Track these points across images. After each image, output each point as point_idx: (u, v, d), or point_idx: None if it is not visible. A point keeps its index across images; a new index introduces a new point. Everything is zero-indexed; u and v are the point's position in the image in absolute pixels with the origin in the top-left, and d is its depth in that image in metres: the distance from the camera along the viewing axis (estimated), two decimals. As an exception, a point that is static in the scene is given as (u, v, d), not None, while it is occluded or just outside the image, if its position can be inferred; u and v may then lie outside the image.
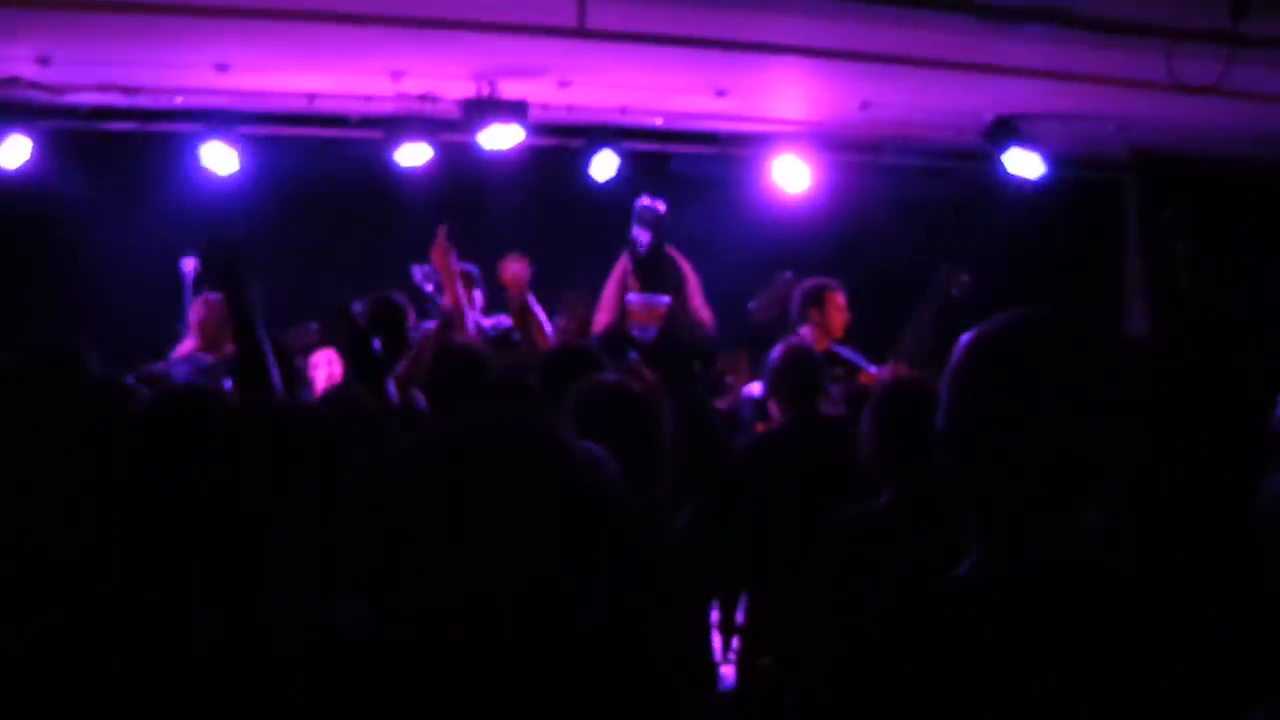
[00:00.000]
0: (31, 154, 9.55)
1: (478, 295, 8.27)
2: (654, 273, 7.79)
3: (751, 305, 8.59)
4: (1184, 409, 2.63)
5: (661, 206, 7.91)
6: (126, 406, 3.72)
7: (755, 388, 8.73)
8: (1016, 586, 2.03)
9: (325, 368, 8.87)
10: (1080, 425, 2.04)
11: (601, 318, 7.88)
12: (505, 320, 8.24)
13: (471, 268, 8.34)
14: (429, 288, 8.64)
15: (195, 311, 8.06)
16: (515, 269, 8.18)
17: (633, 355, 6.84)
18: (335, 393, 5.98)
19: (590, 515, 1.42)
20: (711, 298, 8.34)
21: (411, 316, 6.98)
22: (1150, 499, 2.55)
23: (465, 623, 1.36)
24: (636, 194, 9.92)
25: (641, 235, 7.90)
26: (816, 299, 8.07)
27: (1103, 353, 2.11)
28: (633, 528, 1.46)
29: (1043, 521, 2.05)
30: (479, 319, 8.22)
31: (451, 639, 1.35)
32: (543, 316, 8.23)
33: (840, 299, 8.17)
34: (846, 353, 8.13)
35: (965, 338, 2.15)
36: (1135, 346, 2.52)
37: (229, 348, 7.02)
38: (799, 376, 5.94)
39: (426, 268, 8.69)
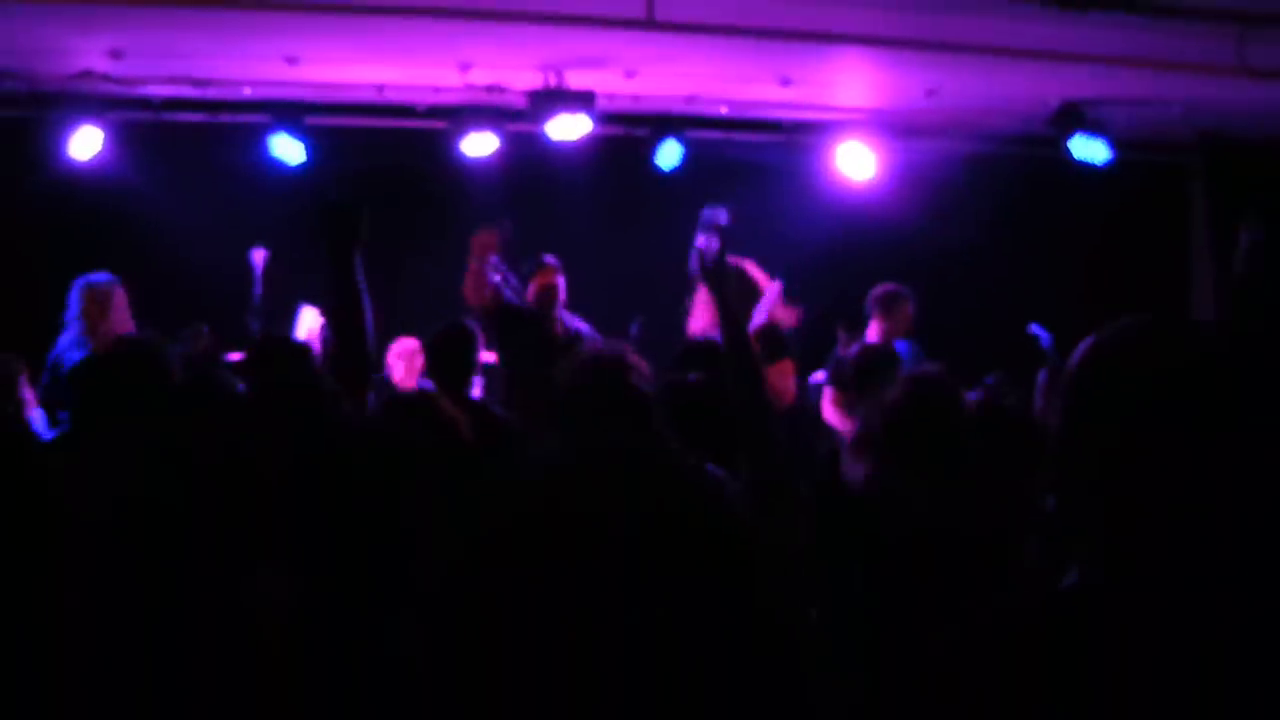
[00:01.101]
0: (103, 145, 9.65)
1: (561, 285, 8.27)
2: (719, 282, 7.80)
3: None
4: None
5: (724, 216, 7.94)
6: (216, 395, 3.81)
7: (821, 376, 8.78)
8: (1129, 598, 1.99)
9: (405, 360, 8.92)
10: (1199, 434, 2.00)
11: (695, 324, 7.95)
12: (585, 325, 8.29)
13: (550, 259, 8.36)
14: (495, 278, 8.69)
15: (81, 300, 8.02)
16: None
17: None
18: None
19: (722, 537, 1.44)
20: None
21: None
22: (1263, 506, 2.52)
23: (612, 640, 1.38)
24: (700, 182, 9.98)
25: (707, 243, 7.94)
26: (887, 304, 8.74)
27: (1224, 359, 2.07)
28: (762, 549, 1.49)
29: (1156, 531, 2.00)
30: (565, 317, 8.26)
31: (597, 655, 1.38)
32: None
33: (910, 310, 8.81)
34: (904, 351, 8.24)
35: (1083, 344, 2.12)
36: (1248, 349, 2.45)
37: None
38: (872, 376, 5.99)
39: (494, 259, 8.74)
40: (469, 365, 6.58)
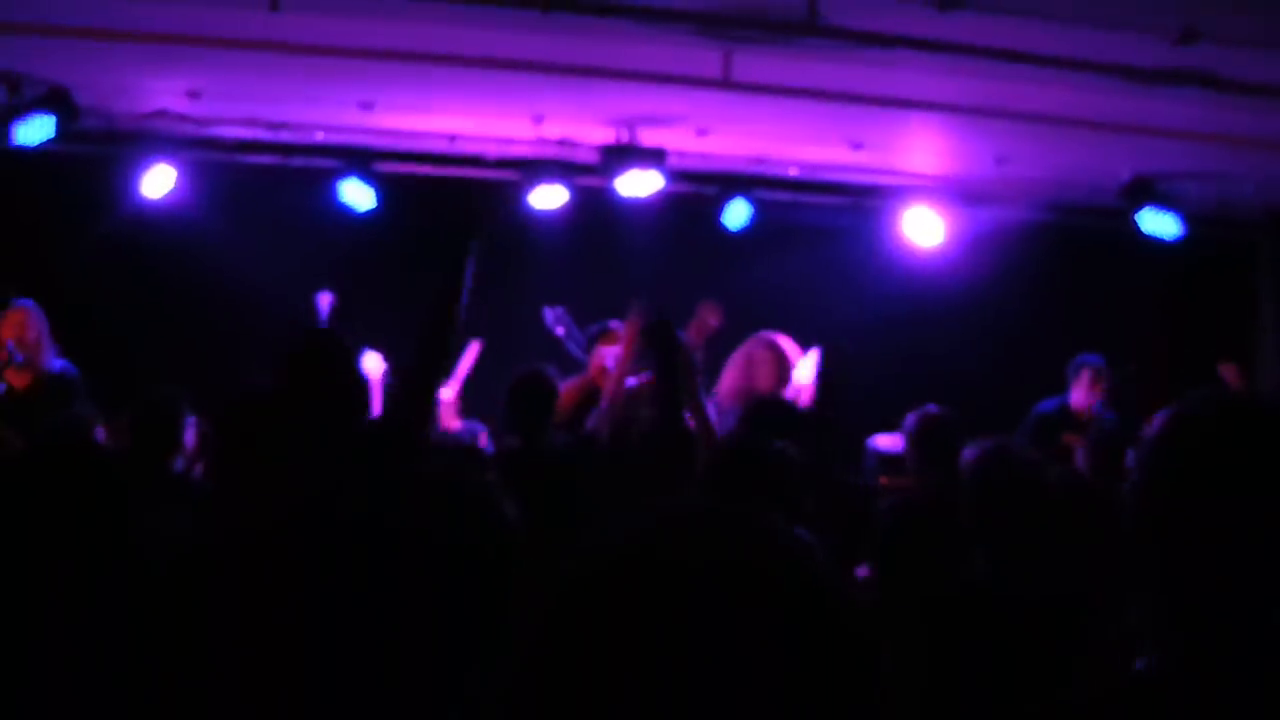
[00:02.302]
0: (176, 185, 9.72)
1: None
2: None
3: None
4: None
5: (563, 315, 8.69)
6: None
7: (884, 441, 8.75)
8: (1206, 687, 1.94)
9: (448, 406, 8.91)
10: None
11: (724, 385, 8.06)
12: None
13: (616, 325, 8.37)
14: (560, 331, 8.71)
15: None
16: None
17: None
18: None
19: (808, 604, 1.42)
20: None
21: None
22: None
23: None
24: (767, 242, 9.99)
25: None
26: (1079, 374, 9.47)
27: None
28: (845, 617, 1.46)
29: (1236, 619, 1.95)
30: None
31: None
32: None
33: (1094, 375, 9.48)
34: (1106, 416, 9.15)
35: (1160, 417, 2.09)
36: None
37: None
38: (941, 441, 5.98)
39: (559, 310, 8.77)
40: (548, 410, 6.60)
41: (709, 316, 8.05)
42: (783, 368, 8.11)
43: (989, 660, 3.74)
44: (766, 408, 6.08)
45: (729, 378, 8.19)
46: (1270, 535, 1.94)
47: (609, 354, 8.14)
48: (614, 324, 8.38)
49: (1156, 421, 2.09)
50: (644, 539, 1.43)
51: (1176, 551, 2.01)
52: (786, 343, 8.22)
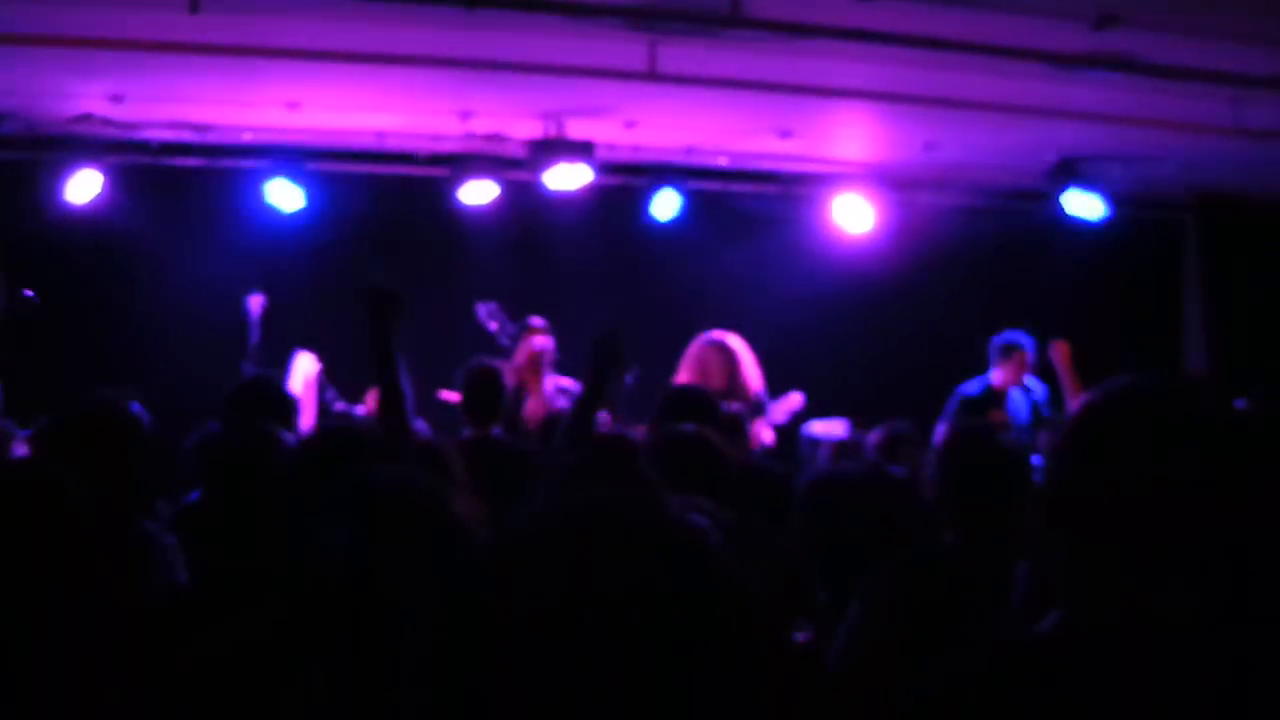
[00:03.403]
0: (101, 189, 9.63)
1: (544, 342, 8.33)
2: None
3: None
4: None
5: (495, 309, 8.73)
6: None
7: (817, 426, 8.84)
8: (1103, 647, 2.01)
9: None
10: (1183, 493, 2.05)
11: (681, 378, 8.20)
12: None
13: (537, 320, 8.46)
14: (493, 325, 8.73)
15: None
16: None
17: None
18: None
19: (701, 594, 1.44)
20: (768, 334, 8.51)
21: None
22: (1245, 565, 2.54)
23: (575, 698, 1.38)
24: (699, 232, 10.05)
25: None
26: (1004, 353, 9.44)
27: (1212, 422, 2.11)
28: (744, 605, 1.49)
29: (1134, 585, 2.03)
30: (558, 382, 8.32)
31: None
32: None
33: (1025, 356, 9.46)
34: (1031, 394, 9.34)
35: (1078, 403, 2.17)
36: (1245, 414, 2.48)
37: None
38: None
39: (491, 305, 8.78)
40: (497, 405, 6.66)
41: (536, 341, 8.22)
42: (732, 365, 8.23)
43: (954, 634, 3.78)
44: (681, 396, 6.16)
45: (682, 377, 8.30)
46: (1179, 511, 2.02)
47: (534, 346, 8.21)
48: (533, 319, 8.44)
49: (1075, 406, 2.17)
50: (534, 535, 1.46)
51: (1077, 526, 2.09)
52: (736, 340, 8.32)
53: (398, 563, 2.37)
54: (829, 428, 8.80)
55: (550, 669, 1.36)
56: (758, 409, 8.21)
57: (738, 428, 6.91)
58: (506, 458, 6.01)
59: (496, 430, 6.65)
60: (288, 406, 5.74)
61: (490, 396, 6.57)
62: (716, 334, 8.36)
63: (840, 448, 7.91)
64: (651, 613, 1.37)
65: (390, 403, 4.42)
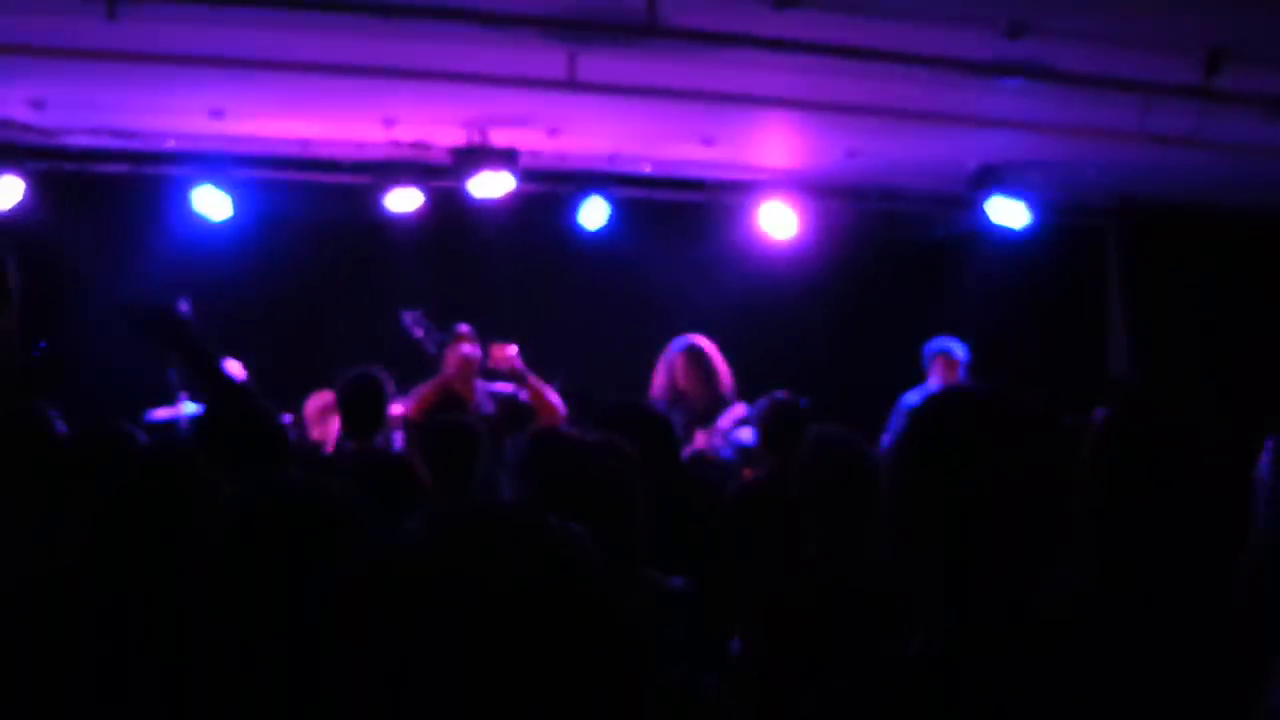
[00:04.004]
0: (23, 195, 9.56)
1: (471, 350, 8.39)
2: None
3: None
4: (1135, 475, 2.67)
5: (420, 318, 8.73)
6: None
7: (745, 434, 8.90)
8: (968, 662, 2.06)
9: (319, 414, 8.91)
10: (1013, 497, 2.09)
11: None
12: (507, 386, 8.41)
13: (464, 328, 8.49)
14: (419, 333, 8.76)
15: None
16: (506, 353, 8.38)
17: None
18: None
19: (571, 601, 1.48)
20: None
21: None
22: (1117, 561, 2.61)
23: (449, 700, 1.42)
24: (624, 239, 10.09)
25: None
26: (937, 359, 9.63)
27: (1030, 426, 2.16)
28: (611, 613, 1.54)
29: (985, 594, 2.07)
30: (486, 386, 8.38)
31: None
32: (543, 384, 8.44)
33: (955, 359, 9.61)
34: None
35: (898, 418, 2.23)
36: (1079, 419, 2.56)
37: None
38: (786, 427, 6.12)
39: (417, 313, 8.81)
40: (379, 415, 6.64)
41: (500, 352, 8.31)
42: (704, 369, 8.35)
43: (824, 643, 3.84)
44: (611, 407, 6.18)
45: (657, 383, 8.46)
46: (996, 518, 2.07)
47: (462, 354, 8.28)
48: (461, 327, 8.48)
49: (894, 424, 2.23)
50: (409, 542, 1.50)
51: (920, 540, 2.14)
52: (707, 345, 8.49)
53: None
54: (742, 434, 8.88)
55: (411, 667, 1.40)
56: (706, 416, 8.31)
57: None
58: (390, 468, 5.94)
59: (378, 440, 6.64)
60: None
61: (372, 407, 6.54)
62: (688, 337, 8.53)
63: (746, 453, 7.98)
64: (522, 619, 1.42)
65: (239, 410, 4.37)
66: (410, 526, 1.53)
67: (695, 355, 8.47)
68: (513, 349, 8.34)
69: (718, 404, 8.38)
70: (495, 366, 8.35)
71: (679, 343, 8.56)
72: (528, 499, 3.41)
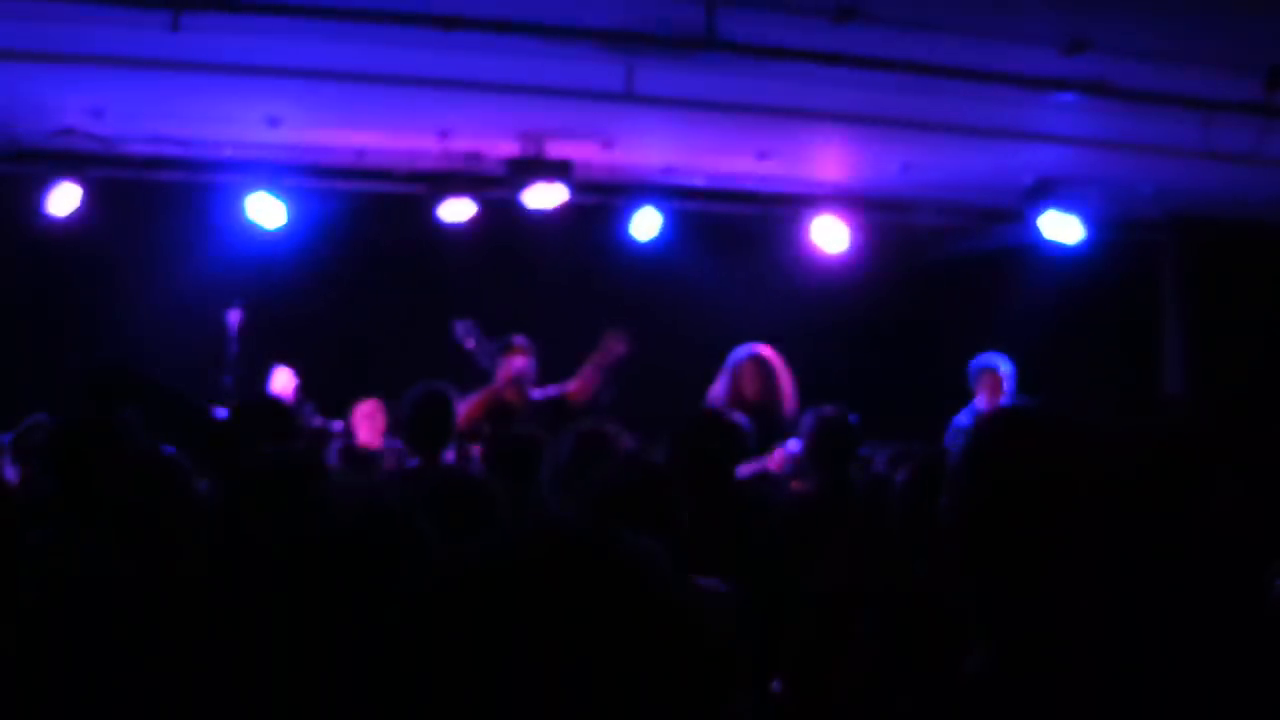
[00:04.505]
0: (81, 202, 9.63)
1: (525, 362, 8.43)
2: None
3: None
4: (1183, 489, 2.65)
5: (472, 328, 8.79)
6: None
7: (793, 445, 8.87)
8: (1028, 679, 2.05)
9: (368, 421, 8.95)
10: (1074, 514, 2.09)
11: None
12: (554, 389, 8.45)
13: (519, 340, 8.51)
14: (470, 343, 8.77)
15: None
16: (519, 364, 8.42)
17: None
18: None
19: (649, 616, 1.48)
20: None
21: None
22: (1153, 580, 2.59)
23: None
24: (676, 251, 10.08)
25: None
26: (979, 376, 9.57)
27: (1091, 445, 2.15)
28: (690, 628, 1.53)
29: (1049, 612, 2.09)
30: (539, 394, 8.43)
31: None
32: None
33: (998, 375, 9.52)
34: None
35: (953, 437, 2.22)
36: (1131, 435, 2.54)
37: None
38: (833, 442, 6.12)
39: (468, 323, 8.83)
40: (448, 430, 6.58)
41: (614, 345, 8.35)
42: (767, 377, 8.33)
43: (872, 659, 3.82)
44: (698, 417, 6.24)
45: (719, 388, 8.47)
46: (1063, 538, 2.06)
47: (515, 366, 8.30)
48: (516, 339, 8.49)
49: (969, 447, 2.20)
50: (485, 562, 1.50)
51: (984, 559, 2.12)
52: (770, 354, 8.47)
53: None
54: (790, 444, 8.86)
55: (495, 688, 1.40)
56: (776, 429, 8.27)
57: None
58: (459, 486, 5.90)
59: (447, 456, 6.58)
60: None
61: (440, 423, 6.46)
62: (753, 346, 8.50)
63: (794, 464, 7.97)
64: (600, 636, 1.42)
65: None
66: (484, 546, 1.53)
67: (760, 363, 8.45)
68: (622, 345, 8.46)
69: (778, 415, 8.32)
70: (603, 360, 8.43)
71: (744, 350, 8.53)
72: (580, 507, 3.42)
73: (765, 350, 8.50)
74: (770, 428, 8.30)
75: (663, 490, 3.53)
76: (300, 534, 2.52)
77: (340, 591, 2.37)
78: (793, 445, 8.35)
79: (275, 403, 6.50)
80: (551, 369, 8.62)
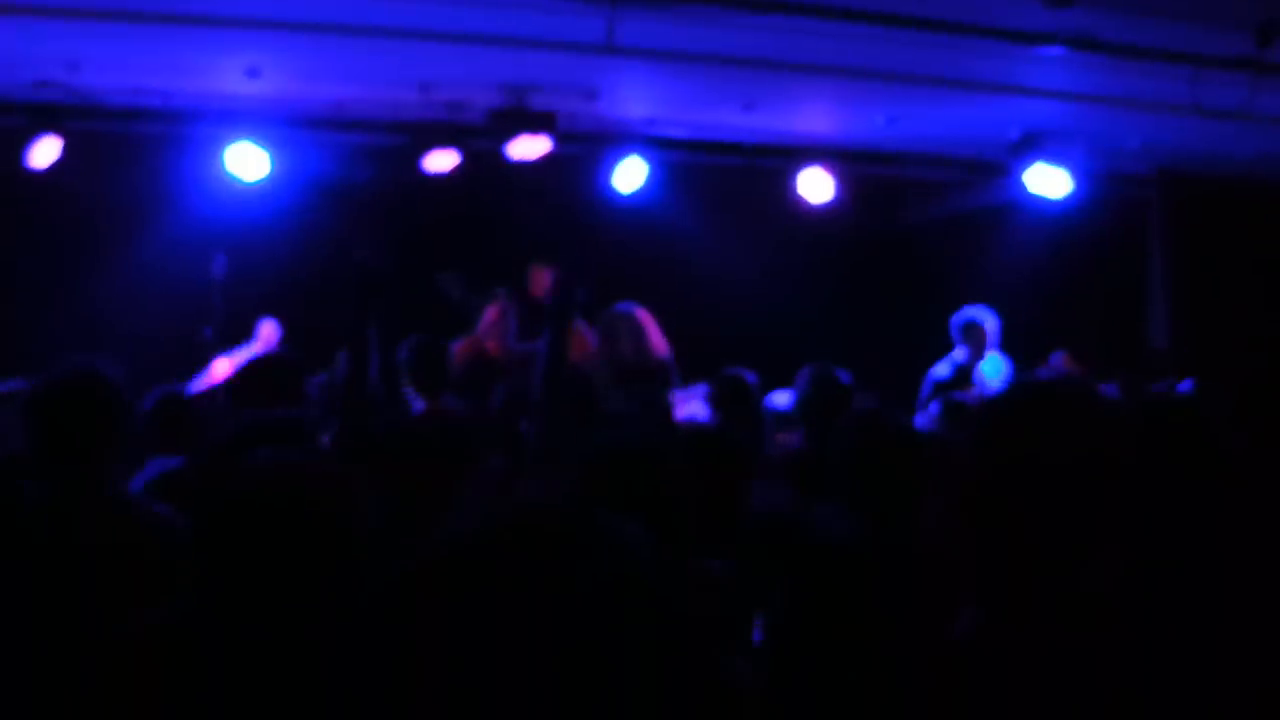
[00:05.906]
0: (61, 154, 9.55)
1: (507, 312, 8.41)
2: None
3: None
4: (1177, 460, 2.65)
5: (459, 281, 8.97)
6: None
7: (779, 397, 8.86)
8: (1021, 646, 2.06)
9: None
10: (1079, 489, 2.08)
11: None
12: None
13: (500, 290, 8.50)
14: (454, 294, 8.75)
15: None
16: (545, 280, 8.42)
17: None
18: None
19: (624, 602, 1.46)
20: (731, 305, 8.51)
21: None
22: (1155, 547, 2.58)
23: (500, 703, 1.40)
24: (663, 203, 10.01)
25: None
26: (965, 330, 9.50)
27: (1103, 419, 2.14)
28: (665, 615, 1.51)
29: (1045, 580, 2.08)
30: (522, 346, 8.39)
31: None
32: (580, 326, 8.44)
33: (985, 331, 9.47)
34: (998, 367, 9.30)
35: (978, 408, 2.22)
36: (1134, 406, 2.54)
37: None
38: (825, 398, 6.12)
39: (452, 275, 8.80)
40: (444, 375, 6.68)
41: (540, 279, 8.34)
42: (639, 336, 8.32)
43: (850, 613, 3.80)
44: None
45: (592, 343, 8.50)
46: (1064, 509, 2.06)
47: (496, 316, 8.28)
48: (500, 290, 8.47)
49: (988, 410, 2.20)
50: (464, 543, 1.48)
51: (987, 527, 2.12)
52: (644, 314, 8.47)
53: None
54: (781, 399, 8.84)
55: (469, 663, 1.38)
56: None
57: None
58: (461, 427, 6.01)
59: (447, 399, 6.66)
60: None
61: (438, 368, 6.59)
62: (625, 305, 8.47)
63: (779, 419, 7.95)
64: (576, 618, 1.39)
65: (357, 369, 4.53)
66: (464, 527, 1.50)
67: (633, 322, 8.42)
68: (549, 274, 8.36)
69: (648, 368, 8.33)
70: (536, 294, 8.39)
71: (617, 311, 8.51)
72: (576, 486, 3.36)
73: (637, 310, 8.48)
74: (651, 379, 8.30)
75: (669, 473, 3.46)
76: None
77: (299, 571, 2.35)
78: (779, 398, 8.35)
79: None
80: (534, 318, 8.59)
